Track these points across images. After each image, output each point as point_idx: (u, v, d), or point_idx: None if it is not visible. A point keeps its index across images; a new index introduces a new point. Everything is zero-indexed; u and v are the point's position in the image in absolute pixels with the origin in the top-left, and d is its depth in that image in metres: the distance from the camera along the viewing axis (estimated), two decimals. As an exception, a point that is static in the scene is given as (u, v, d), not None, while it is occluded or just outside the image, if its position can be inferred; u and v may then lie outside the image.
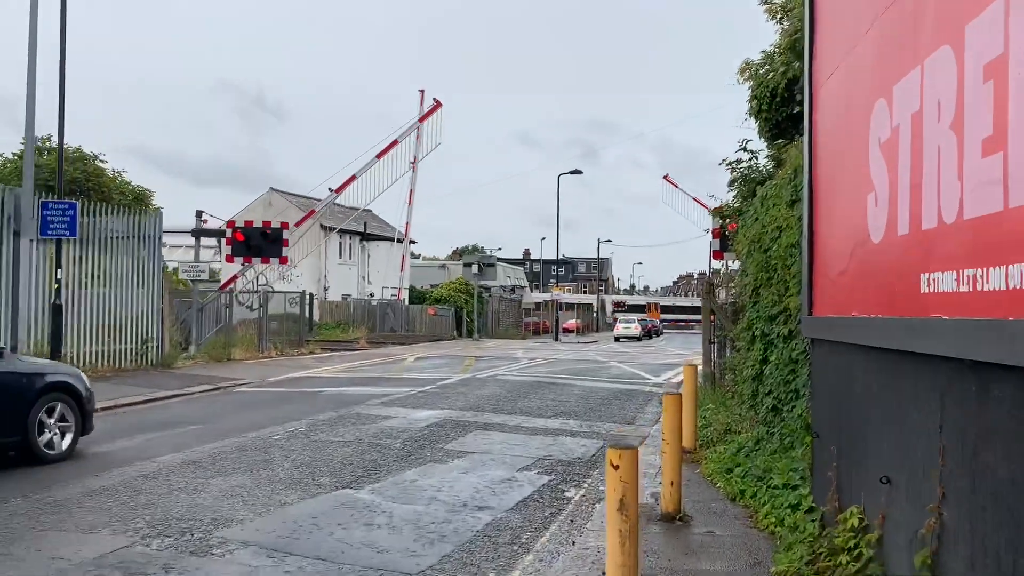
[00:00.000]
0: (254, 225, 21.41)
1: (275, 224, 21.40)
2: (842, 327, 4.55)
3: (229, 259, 21.66)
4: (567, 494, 7.27)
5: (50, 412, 8.30)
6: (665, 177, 53.24)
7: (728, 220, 14.31)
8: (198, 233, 41.75)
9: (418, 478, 7.69)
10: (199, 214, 43.61)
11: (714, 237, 17.21)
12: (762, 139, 13.12)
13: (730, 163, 13.03)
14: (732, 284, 14.68)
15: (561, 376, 18.96)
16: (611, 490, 3.70)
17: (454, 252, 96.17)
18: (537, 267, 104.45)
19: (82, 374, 9.20)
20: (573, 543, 5.59)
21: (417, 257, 75.51)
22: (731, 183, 13.33)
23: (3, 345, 9.58)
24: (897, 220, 3.53)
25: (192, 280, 47.36)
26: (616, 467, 3.69)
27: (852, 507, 4.33)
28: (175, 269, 50.47)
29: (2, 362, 8.05)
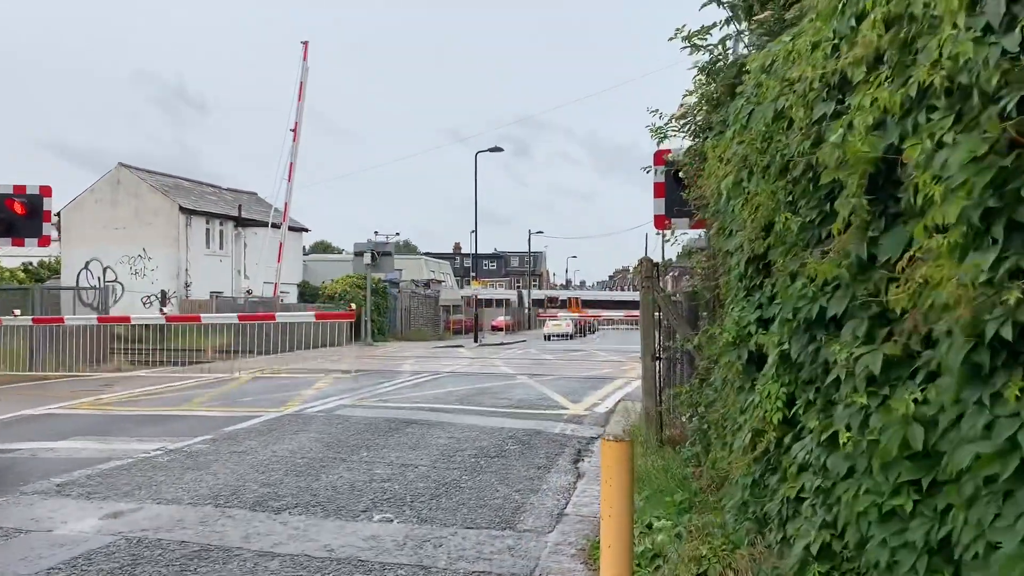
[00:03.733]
0: None
1: (31, 189, 14.82)
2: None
3: (-35, 241, 15.03)
4: None
5: None
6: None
7: (684, 157, 8.35)
8: None
9: None
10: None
11: (657, 196, 11.28)
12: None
13: (692, 36, 7.03)
14: (695, 262, 8.73)
15: (437, 405, 12.88)
16: None
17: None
18: (468, 262, 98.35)
19: None
20: None
21: (331, 250, 68.72)
22: (698, 79, 7.34)
23: None
24: None
25: None
26: None
27: None
28: None
29: None
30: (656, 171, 11.27)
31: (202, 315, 15.24)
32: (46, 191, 14.93)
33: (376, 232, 42.96)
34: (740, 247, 5.29)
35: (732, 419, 5.61)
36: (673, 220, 11.01)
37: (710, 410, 6.80)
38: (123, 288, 33.37)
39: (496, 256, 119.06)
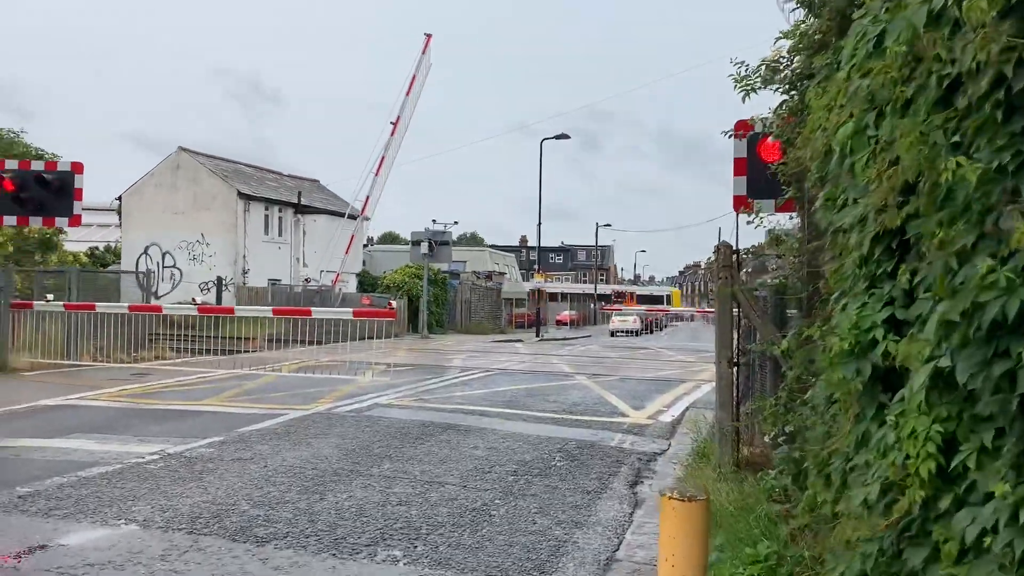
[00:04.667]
0: (31, 167, 14.03)
1: (63, 166, 14.03)
2: None
3: (-5, 220, 14.31)
4: None
5: None
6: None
7: (774, 116, 6.80)
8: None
9: None
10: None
11: (737, 173, 9.73)
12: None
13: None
14: (783, 249, 7.17)
15: (480, 407, 11.58)
16: None
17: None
18: (534, 255, 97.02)
19: None
20: None
21: (399, 242, 68.23)
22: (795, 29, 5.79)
23: None
24: None
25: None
26: None
27: None
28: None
29: None
30: (736, 144, 9.75)
31: (235, 307, 14.24)
32: (77, 168, 14.14)
33: (434, 220, 41.96)
34: (862, 220, 3.84)
35: (844, 455, 4.14)
36: (756, 201, 9.49)
37: (807, 435, 5.31)
38: (181, 274, 33.04)
39: (563, 249, 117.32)
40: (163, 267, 33.15)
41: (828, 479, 4.60)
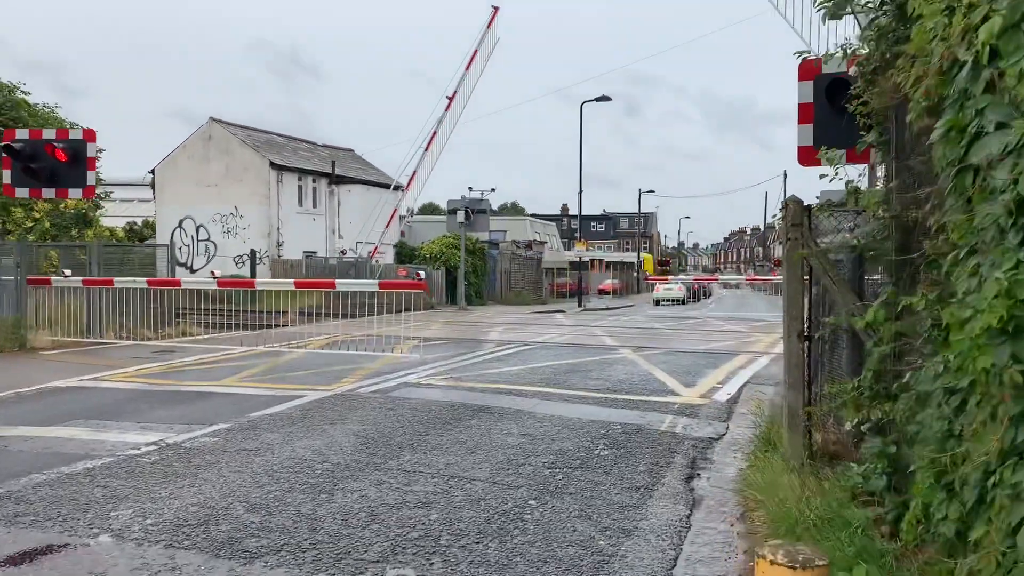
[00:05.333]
0: (43, 136, 13.29)
1: (75, 134, 13.29)
2: None
3: (9, 191, 13.60)
4: None
5: None
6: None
7: (864, 39, 5.67)
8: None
9: None
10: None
11: (802, 120, 8.58)
12: None
13: None
14: (866, 202, 6.02)
15: (516, 386, 10.66)
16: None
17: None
18: (576, 223, 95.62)
19: None
20: None
21: (431, 211, 67.43)
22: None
23: None
24: None
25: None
26: None
27: None
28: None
29: None
30: (801, 87, 8.65)
31: (256, 280, 13.47)
32: (89, 135, 13.41)
33: (470, 188, 40.87)
34: (1016, 150, 2.82)
35: (982, 466, 3.12)
36: (826, 152, 8.37)
37: (910, 430, 4.27)
38: (216, 247, 32.60)
39: (605, 217, 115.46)
40: (198, 240, 32.75)
41: (951, 492, 3.59)
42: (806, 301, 6.96)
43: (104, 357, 13.56)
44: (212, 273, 12.99)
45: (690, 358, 14.34)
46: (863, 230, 6.61)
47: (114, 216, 41.75)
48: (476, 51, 35.60)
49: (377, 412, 8.73)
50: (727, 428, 8.33)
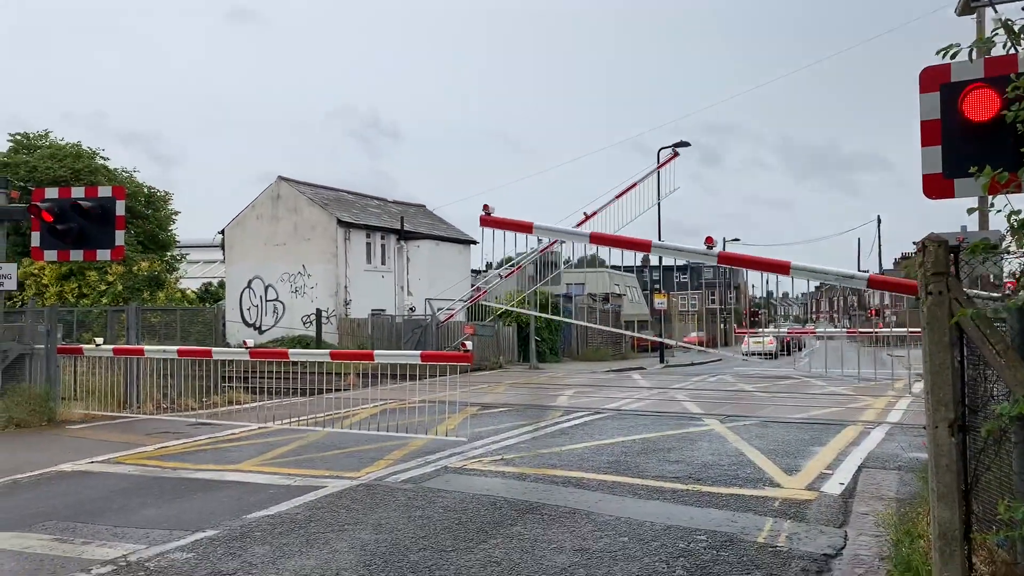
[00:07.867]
0: (72, 195, 12.39)
1: (103, 192, 12.36)
2: None
3: (37, 255, 12.70)
4: None
5: None
6: None
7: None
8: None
9: None
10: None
11: (927, 143, 6.75)
12: None
13: None
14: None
15: (579, 471, 8.88)
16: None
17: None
18: (656, 275, 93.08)
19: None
20: None
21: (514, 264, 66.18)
22: None
23: None
24: None
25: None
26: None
27: None
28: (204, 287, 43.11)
29: None
30: (924, 101, 6.89)
31: (289, 351, 12.18)
32: (119, 193, 12.47)
33: (539, 240, 38.78)
34: None
35: None
36: (959, 181, 6.54)
37: None
38: (284, 307, 31.91)
39: (688, 268, 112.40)
40: (266, 300, 32.13)
41: None
42: (955, 377, 5.09)
43: (131, 432, 12.40)
44: (244, 343, 11.74)
45: (789, 431, 12.24)
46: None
47: (192, 277, 41.91)
48: (635, 184, 32.12)
49: (400, 513, 7.10)
50: (845, 537, 6.38)
